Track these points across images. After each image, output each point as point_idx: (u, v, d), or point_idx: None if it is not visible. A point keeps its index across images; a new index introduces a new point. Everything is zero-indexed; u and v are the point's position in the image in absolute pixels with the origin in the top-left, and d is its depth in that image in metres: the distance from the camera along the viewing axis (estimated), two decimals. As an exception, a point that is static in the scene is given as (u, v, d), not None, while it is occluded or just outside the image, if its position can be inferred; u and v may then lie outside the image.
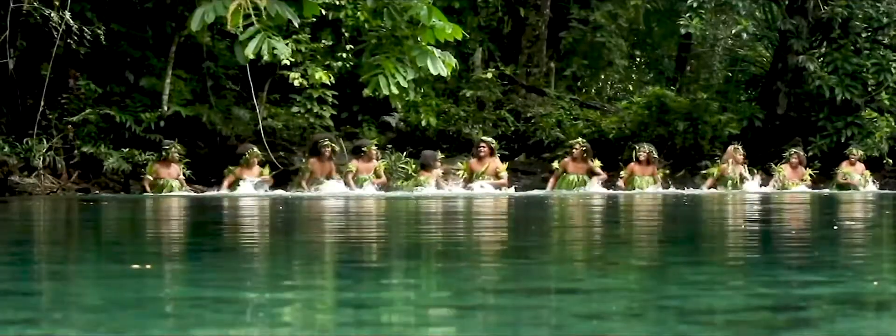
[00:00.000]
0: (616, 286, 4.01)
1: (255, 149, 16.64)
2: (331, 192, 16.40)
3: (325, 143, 16.99)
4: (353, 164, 17.16)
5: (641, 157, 18.17)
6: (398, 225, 8.65)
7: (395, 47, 13.14)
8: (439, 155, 17.88)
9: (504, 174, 17.54)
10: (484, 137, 18.18)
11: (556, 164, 18.26)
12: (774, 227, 8.23)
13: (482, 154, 17.59)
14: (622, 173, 18.26)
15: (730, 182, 18.27)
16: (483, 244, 6.24)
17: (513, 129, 20.47)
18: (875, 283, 4.11)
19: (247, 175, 16.63)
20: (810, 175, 18.84)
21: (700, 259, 5.32)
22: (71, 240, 7.25)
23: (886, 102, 20.75)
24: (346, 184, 16.91)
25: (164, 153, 16.36)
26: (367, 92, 14.21)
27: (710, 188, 18.09)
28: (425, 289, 4.02)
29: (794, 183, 18.54)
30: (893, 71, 20.49)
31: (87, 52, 16.45)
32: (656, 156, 18.49)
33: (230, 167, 16.74)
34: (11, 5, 15.44)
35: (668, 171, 19.02)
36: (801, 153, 18.99)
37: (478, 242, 6.35)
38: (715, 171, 18.33)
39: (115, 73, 17.61)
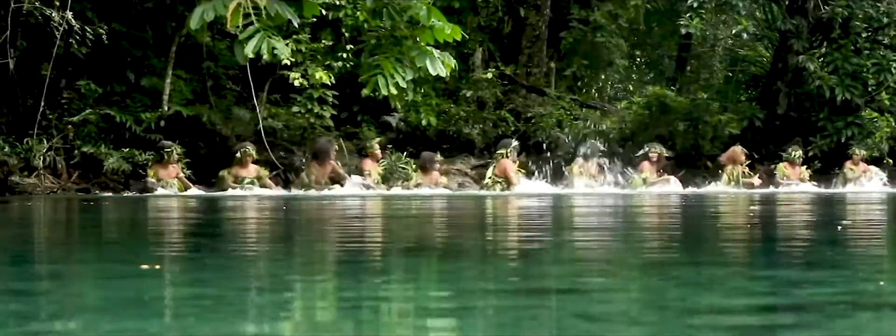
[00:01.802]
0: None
1: (249, 148, 16.61)
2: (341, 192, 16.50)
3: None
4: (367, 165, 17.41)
5: (653, 158, 18.50)
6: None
7: (394, 47, 13.15)
8: (438, 157, 17.93)
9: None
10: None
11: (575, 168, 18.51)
12: (781, 226, 8.23)
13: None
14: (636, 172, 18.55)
15: (732, 183, 18.53)
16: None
17: (513, 129, 20.46)
18: (881, 282, 4.11)
19: (243, 174, 16.61)
20: (810, 175, 18.99)
21: (705, 258, 5.32)
22: (71, 240, 7.25)
23: (887, 102, 20.73)
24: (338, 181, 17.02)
25: (165, 155, 16.33)
26: (365, 92, 14.21)
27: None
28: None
29: (794, 182, 18.69)
30: (894, 71, 20.47)
31: (88, 51, 16.46)
32: (666, 155, 18.79)
33: (227, 170, 16.68)
34: (12, 5, 15.45)
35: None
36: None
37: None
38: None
39: (115, 72, 17.62)
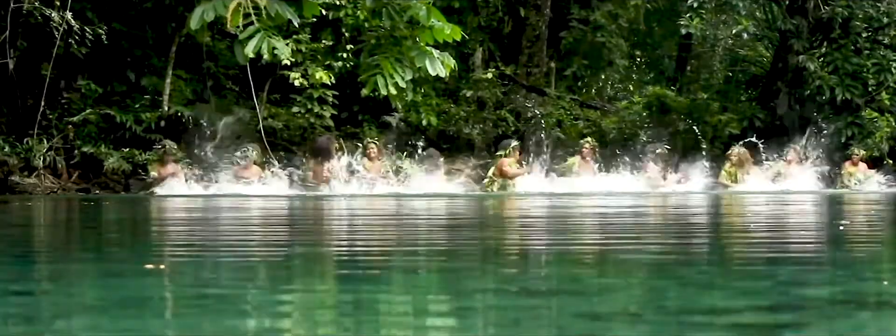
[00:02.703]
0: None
1: (251, 149, 16.59)
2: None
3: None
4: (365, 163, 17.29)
5: (655, 157, 18.53)
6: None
7: (393, 47, 13.15)
8: (432, 152, 17.86)
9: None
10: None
11: (573, 161, 18.45)
12: (781, 226, 8.23)
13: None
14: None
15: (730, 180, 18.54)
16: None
17: (513, 129, 20.47)
18: (885, 282, 4.11)
19: (245, 174, 16.59)
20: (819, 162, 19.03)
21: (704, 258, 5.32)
22: (71, 240, 7.25)
23: (887, 102, 20.74)
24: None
25: (157, 153, 16.33)
26: (365, 92, 14.21)
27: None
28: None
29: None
30: (894, 71, 20.49)
31: (88, 51, 16.47)
32: (667, 149, 18.87)
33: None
34: (12, 5, 15.46)
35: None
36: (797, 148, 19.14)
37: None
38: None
39: (115, 72, 17.63)
